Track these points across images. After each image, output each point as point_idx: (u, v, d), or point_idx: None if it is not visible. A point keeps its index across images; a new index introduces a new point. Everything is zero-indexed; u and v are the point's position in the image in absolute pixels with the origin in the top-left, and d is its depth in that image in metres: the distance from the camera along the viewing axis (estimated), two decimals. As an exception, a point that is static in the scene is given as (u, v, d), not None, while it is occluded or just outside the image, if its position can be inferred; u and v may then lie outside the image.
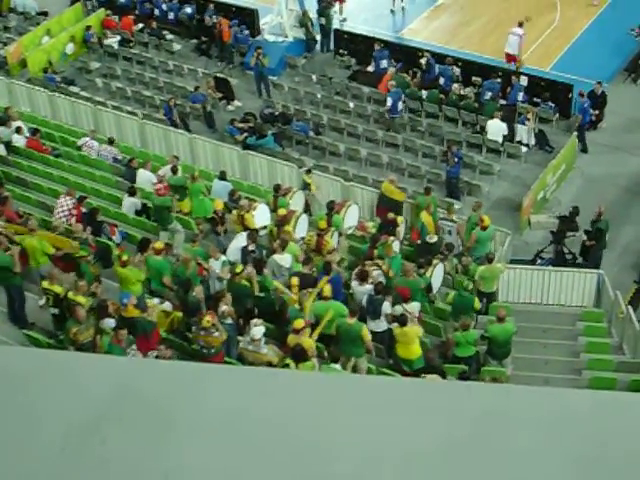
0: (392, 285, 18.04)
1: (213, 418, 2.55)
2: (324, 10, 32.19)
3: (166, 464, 2.41)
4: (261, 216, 20.32)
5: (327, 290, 16.99)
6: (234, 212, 20.34)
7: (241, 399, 2.62)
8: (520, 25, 29.78)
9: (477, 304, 18.14)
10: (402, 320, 16.55)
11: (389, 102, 27.45)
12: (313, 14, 32.37)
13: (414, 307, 17.45)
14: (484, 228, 20.42)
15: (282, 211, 19.93)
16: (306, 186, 22.96)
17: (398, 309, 17.24)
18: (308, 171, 23.37)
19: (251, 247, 18.71)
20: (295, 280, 17.46)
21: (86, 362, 2.85)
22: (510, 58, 30.09)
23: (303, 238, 19.94)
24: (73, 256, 18.06)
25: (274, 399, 2.63)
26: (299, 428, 2.55)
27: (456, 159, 24.35)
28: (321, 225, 19.62)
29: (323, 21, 32.24)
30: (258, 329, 16.01)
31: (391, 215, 20.95)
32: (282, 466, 2.44)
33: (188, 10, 33.39)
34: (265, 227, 20.14)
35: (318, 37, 32.50)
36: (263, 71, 29.69)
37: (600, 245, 21.80)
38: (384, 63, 29.67)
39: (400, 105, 27.67)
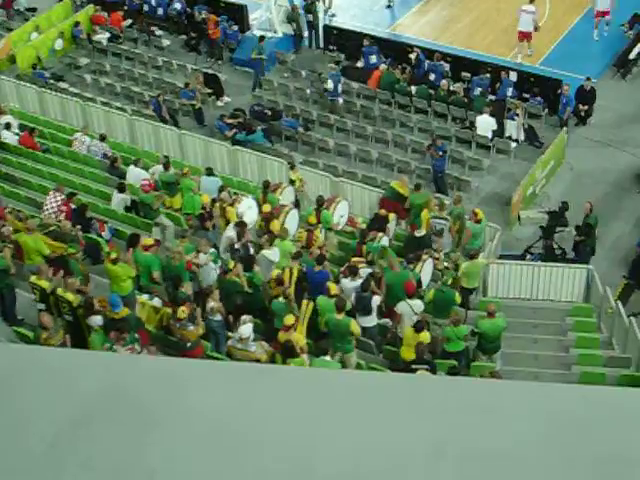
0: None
1: (200, 415, 2.55)
2: (310, 6, 32.19)
3: (153, 461, 2.40)
4: (248, 211, 20.30)
5: (334, 288, 17.02)
6: (216, 205, 20.35)
7: (228, 396, 2.61)
8: (531, 1, 30.04)
9: (457, 298, 18.11)
10: (419, 326, 16.51)
11: (330, 84, 28.22)
12: (300, 10, 32.35)
13: (419, 305, 17.42)
14: (477, 221, 20.43)
15: (266, 207, 19.91)
16: (292, 183, 22.83)
17: (402, 306, 17.22)
18: (292, 167, 23.23)
19: (237, 245, 18.69)
20: (274, 274, 17.50)
21: (74, 359, 2.84)
22: (524, 35, 30.41)
23: (294, 235, 19.95)
24: (64, 257, 18.06)
25: (261, 396, 2.62)
26: (287, 425, 2.55)
27: (440, 152, 24.36)
28: (311, 220, 19.65)
29: (310, 17, 32.21)
30: (246, 327, 15.97)
31: (383, 211, 20.94)
32: (270, 463, 2.43)
33: (177, 6, 33.31)
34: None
35: (306, 33, 32.51)
36: (263, 65, 30.08)
37: (589, 240, 21.82)
38: (373, 58, 29.65)
39: (340, 87, 28.42)
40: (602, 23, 31.43)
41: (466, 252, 20.11)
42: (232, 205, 20.23)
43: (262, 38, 30.13)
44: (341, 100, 28.49)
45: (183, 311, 15.83)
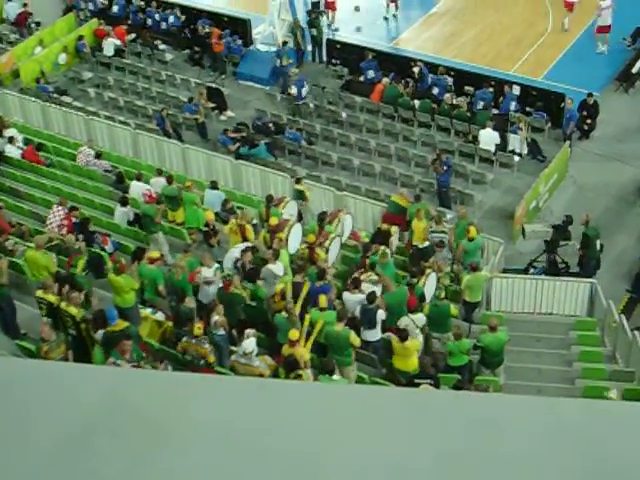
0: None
1: (205, 429, 2.54)
2: (314, 21, 32.32)
3: (157, 476, 2.40)
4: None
5: (323, 301, 16.95)
6: (233, 221, 20.22)
7: (233, 410, 2.60)
8: None
9: (453, 310, 18.08)
10: (403, 335, 16.49)
11: (294, 90, 29.01)
12: (303, 25, 32.44)
13: (421, 319, 17.39)
14: (470, 239, 20.27)
15: (274, 220, 19.88)
16: (299, 195, 22.87)
17: (405, 320, 17.20)
18: (298, 180, 23.27)
19: (238, 263, 18.65)
20: (279, 288, 17.46)
21: (77, 372, 2.84)
22: (603, 29, 31.34)
23: (297, 249, 19.91)
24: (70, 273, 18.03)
25: (266, 410, 2.62)
26: (291, 439, 2.54)
27: (445, 167, 24.34)
28: (310, 239, 19.54)
29: (314, 32, 32.35)
30: (250, 342, 15.91)
31: (385, 226, 20.93)
32: (274, 478, 2.43)
33: (171, 19, 33.37)
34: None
35: (309, 47, 32.62)
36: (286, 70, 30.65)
37: (589, 252, 21.71)
38: (371, 73, 29.76)
39: (304, 92, 29.12)
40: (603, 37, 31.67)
41: (465, 266, 20.06)
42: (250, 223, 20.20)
43: (285, 43, 30.65)
44: (310, 104, 29.27)
45: (199, 328, 15.75)
